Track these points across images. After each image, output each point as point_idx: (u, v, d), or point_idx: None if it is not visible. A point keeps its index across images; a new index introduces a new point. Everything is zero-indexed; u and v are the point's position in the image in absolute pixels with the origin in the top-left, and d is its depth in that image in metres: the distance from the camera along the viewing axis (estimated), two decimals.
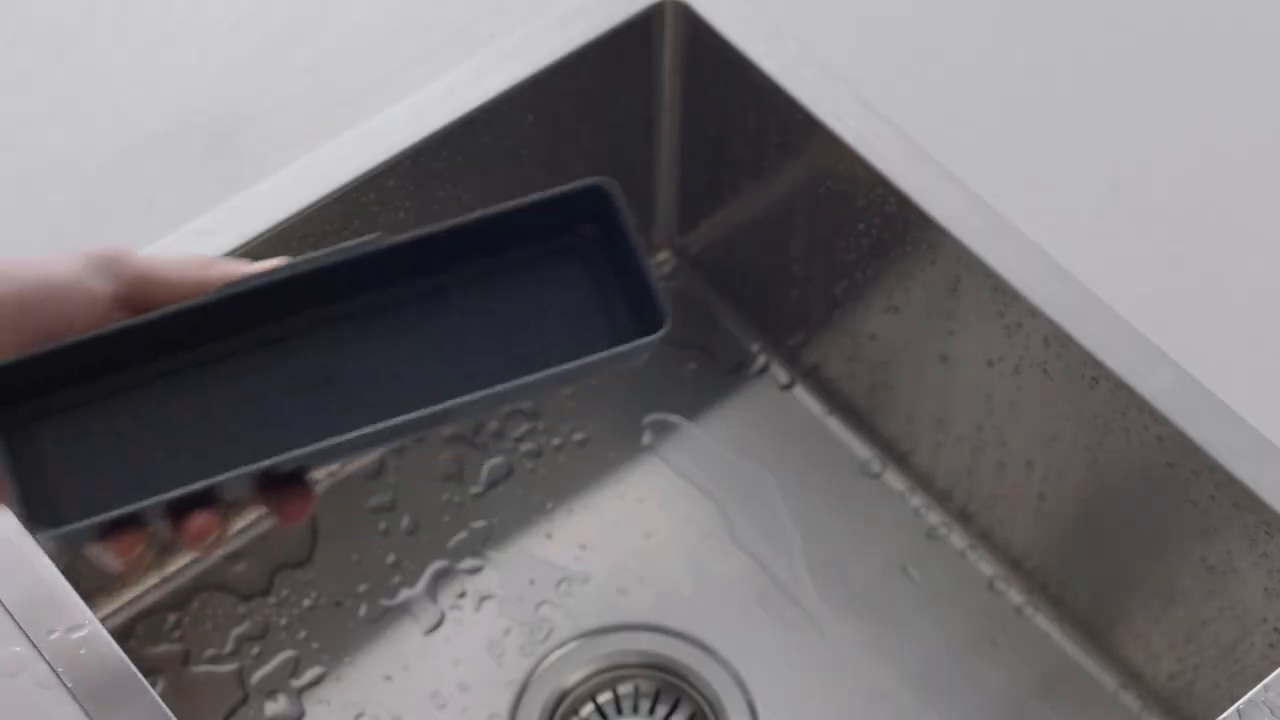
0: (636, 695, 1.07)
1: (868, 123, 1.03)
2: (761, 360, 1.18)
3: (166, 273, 0.70)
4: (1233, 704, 0.84)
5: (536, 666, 1.07)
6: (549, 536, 1.12)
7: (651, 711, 1.07)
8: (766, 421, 1.16)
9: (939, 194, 1.01)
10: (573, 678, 1.07)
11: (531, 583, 1.10)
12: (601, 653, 1.08)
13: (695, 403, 1.17)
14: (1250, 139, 1.06)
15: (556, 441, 1.15)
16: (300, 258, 0.71)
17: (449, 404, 0.70)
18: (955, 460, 1.10)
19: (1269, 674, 0.85)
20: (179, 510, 0.69)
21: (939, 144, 1.03)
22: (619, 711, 1.07)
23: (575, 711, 1.07)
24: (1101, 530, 1.04)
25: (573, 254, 0.74)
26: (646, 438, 1.16)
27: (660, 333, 0.71)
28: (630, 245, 0.72)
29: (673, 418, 1.17)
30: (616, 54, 1.08)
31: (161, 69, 1.08)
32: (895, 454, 1.14)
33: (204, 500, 0.69)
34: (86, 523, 0.67)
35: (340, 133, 1.03)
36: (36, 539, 0.67)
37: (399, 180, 1.02)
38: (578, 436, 1.15)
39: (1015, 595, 1.10)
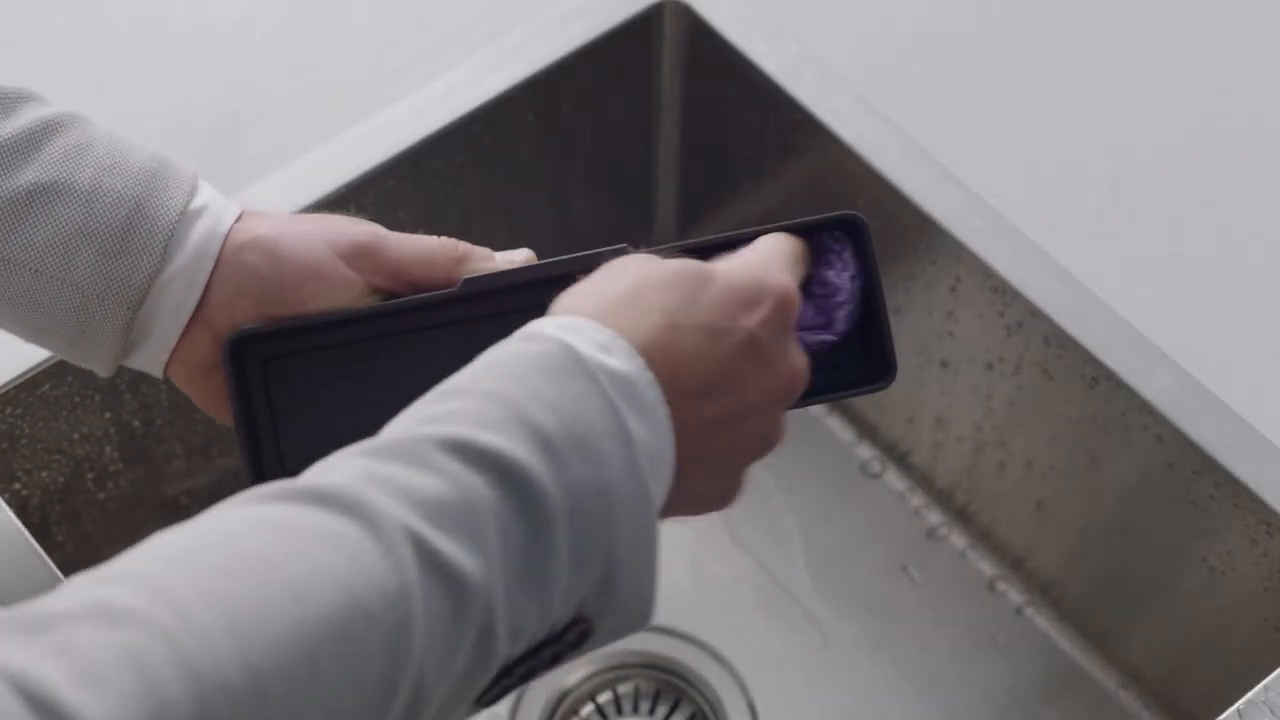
0: (636, 695, 1.07)
1: (868, 123, 1.03)
2: None
3: (417, 268, 0.74)
4: (1233, 704, 0.84)
5: None
6: None
7: (651, 711, 1.07)
8: None
9: (939, 194, 1.01)
10: (573, 678, 1.07)
11: None
12: (601, 653, 1.08)
13: None
14: (1250, 139, 1.06)
15: None
16: (546, 261, 0.74)
17: None
18: (955, 460, 1.10)
19: (1269, 674, 0.85)
20: None
21: (939, 144, 1.03)
22: (619, 711, 1.07)
23: (575, 711, 1.07)
24: (1101, 530, 1.04)
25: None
26: None
27: (885, 384, 0.73)
28: (873, 283, 0.74)
29: None
30: (616, 54, 1.08)
31: (161, 69, 1.08)
32: (895, 454, 1.14)
33: None
34: None
35: (340, 133, 1.03)
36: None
37: (399, 180, 1.02)
38: None
39: (1015, 595, 1.10)
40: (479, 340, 0.68)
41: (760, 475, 1.14)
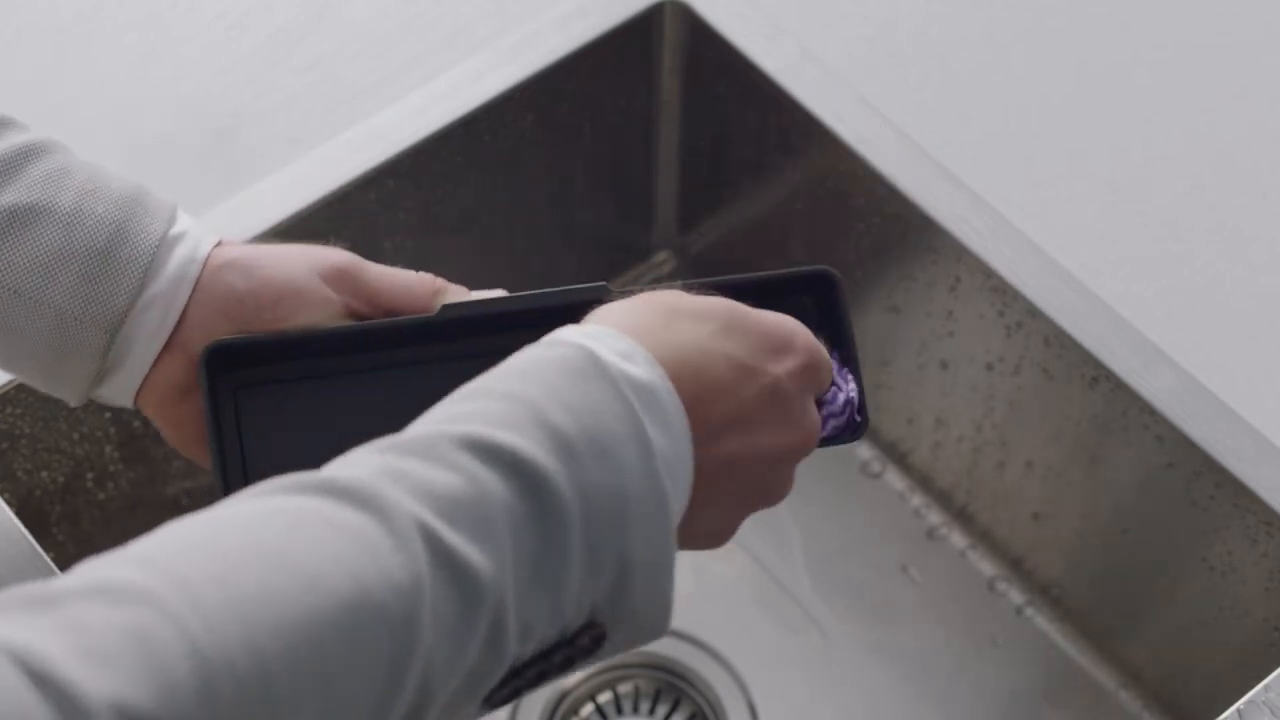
0: (636, 695, 1.07)
1: (868, 123, 1.03)
2: None
3: (396, 295, 0.74)
4: (1233, 704, 0.84)
5: None
6: None
7: (651, 711, 1.07)
8: None
9: (939, 194, 1.01)
10: (573, 678, 1.07)
11: None
12: None
13: None
14: (1250, 139, 1.06)
15: None
16: (522, 293, 0.74)
17: None
18: (955, 460, 1.10)
19: (1269, 674, 0.85)
20: None
21: (939, 144, 1.03)
22: (619, 711, 1.07)
23: (575, 711, 1.07)
24: (1101, 530, 1.04)
25: None
26: None
27: (857, 435, 0.74)
28: (846, 338, 0.74)
29: None
30: (616, 54, 1.08)
31: (161, 69, 1.08)
32: (895, 454, 1.14)
33: None
34: None
35: (340, 133, 1.03)
36: None
37: (399, 180, 1.02)
38: None
39: (1015, 595, 1.10)
40: (451, 377, 0.67)
41: None
